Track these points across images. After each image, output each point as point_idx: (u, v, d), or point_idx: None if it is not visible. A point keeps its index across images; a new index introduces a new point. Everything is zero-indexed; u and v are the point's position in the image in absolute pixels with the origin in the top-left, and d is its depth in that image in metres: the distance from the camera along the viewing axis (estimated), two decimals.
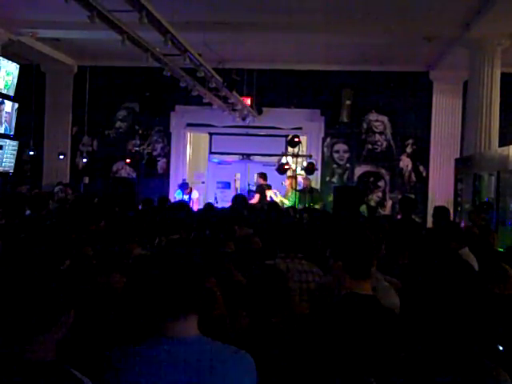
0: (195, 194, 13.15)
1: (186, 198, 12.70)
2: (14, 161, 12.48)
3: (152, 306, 2.04)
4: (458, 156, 12.26)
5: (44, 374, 1.74)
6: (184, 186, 13.26)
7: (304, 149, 12.97)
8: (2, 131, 11.97)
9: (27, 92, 13.46)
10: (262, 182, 12.60)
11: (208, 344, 2.03)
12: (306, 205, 11.49)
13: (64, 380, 1.76)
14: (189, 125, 14.76)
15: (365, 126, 14.12)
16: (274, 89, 14.06)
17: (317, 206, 11.78)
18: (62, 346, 1.85)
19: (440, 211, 6.86)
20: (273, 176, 13.09)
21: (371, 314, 2.77)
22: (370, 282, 2.95)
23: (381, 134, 14.13)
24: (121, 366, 1.99)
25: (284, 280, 2.94)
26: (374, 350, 2.59)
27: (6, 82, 11.61)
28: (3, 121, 11.96)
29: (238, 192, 13.57)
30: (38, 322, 1.77)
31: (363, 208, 11.41)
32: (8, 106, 12.07)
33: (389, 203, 14.01)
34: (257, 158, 16.07)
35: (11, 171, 12.62)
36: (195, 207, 12.31)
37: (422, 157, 13.96)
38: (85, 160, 14.55)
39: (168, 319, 2.02)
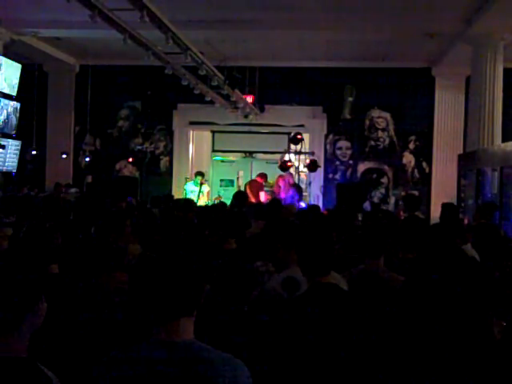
0: (206, 188, 12.87)
1: (197, 188, 12.49)
2: (16, 161, 12.47)
3: (148, 308, 2.01)
4: (461, 152, 12.23)
5: (13, 370, 1.73)
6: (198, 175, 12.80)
7: (307, 146, 12.95)
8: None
9: (29, 91, 13.47)
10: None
11: (200, 349, 1.98)
12: None
13: (32, 377, 1.75)
14: (191, 123, 14.74)
15: (367, 122, 14.09)
16: (276, 86, 14.04)
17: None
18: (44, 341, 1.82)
19: (448, 208, 6.92)
20: (276, 173, 13.12)
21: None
22: None
23: (383, 130, 14.10)
24: (113, 368, 1.97)
25: None
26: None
27: (8, 81, 11.58)
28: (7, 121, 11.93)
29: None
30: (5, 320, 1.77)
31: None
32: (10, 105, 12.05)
33: (392, 200, 13.99)
34: (259, 156, 16.08)
35: (14, 171, 12.63)
36: (203, 201, 12.15)
37: (424, 153, 13.93)
38: (87, 159, 14.53)
39: (163, 322, 1.98)
